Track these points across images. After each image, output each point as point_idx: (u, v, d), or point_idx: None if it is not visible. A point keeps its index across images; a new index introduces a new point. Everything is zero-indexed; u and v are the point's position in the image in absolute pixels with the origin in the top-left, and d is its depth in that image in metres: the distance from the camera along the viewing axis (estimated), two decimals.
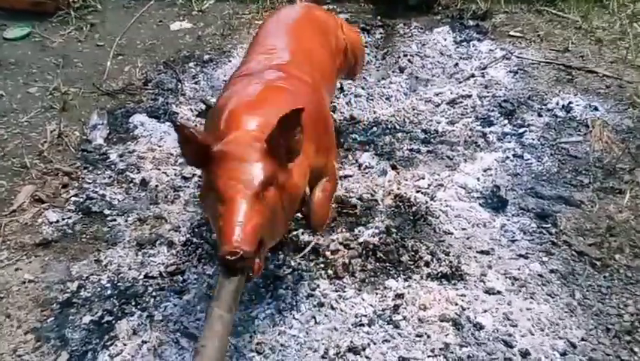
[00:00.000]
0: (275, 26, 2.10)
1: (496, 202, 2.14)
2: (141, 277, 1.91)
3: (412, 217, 2.08)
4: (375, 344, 1.67)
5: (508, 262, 1.93)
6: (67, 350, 1.70)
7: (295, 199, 1.57)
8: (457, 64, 2.96)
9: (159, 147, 2.47)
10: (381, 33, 3.28)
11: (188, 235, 2.05)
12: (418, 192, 2.20)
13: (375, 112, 2.68)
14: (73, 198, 2.23)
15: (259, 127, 1.52)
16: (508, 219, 2.09)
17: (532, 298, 1.81)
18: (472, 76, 2.88)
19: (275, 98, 1.64)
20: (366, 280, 1.86)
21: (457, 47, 3.09)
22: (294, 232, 2.03)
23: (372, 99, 2.75)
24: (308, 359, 1.64)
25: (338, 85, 2.81)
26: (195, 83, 2.92)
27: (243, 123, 1.54)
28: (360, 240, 1.98)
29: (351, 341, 1.68)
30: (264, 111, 1.57)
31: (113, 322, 1.76)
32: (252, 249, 1.33)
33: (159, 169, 2.35)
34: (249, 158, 1.43)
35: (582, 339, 1.69)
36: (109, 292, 1.86)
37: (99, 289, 1.88)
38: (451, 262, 1.91)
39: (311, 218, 1.74)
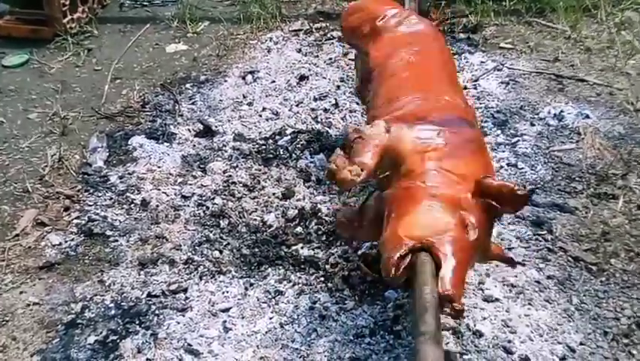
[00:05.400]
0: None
1: None
2: (144, 296, 1.93)
3: None
4: (376, 354, 1.70)
5: (506, 269, 1.95)
6: None
7: None
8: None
9: (158, 167, 2.50)
10: None
11: (189, 253, 2.08)
12: None
13: None
14: (75, 221, 2.26)
15: None
16: (504, 228, 2.12)
17: (530, 304, 1.83)
18: (465, 88, 2.92)
19: None
20: (366, 292, 1.88)
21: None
22: (294, 247, 2.06)
23: (366, 114, 2.79)
24: None
25: (333, 101, 2.86)
26: (192, 103, 2.96)
27: None
28: (359, 252, 2.00)
29: (353, 353, 1.70)
30: None
31: (118, 341, 1.79)
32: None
33: (159, 189, 2.38)
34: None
35: (581, 343, 1.71)
36: (113, 311, 1.89)
37: (103, 309, 1.90)
38: None
39: None
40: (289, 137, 2.63)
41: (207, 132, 2.70)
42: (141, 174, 2.46)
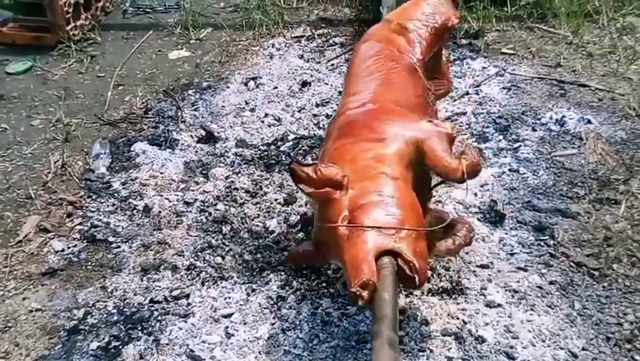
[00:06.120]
0: (356, 70, 2.15)
1: (493, 217, 2.17)
2: (146, 302, 1.94)
3: None
4: None
5: (508, 275, 1.95)
6: None
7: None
8: (451, 82, 3.01)
9: (161, 173, 2.51)
10: None
11: (191, 259, 2.08)
12: None
13: None
14: (78, 227, 2.27)
15: None
16: (507, 233, 2.12)
17: (532, 309, 1.83)
18: (467, 93, 2.93)
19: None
20: None
21: (451, 66, 3.14)
22: None
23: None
24: None
25: (335, 107, 2.86)
26: (195, 109, 2.97)
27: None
28: None
29: (355, 358, 1.70)
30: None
31: (120, 347, 1.79)
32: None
33: (161, 195, 2.39)
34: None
35: (583, 349, 1.71)
36: (115, 317, 1.89)
37: (105, 315, 1.91)
38: (451, 277, 1.94)
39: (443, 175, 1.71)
40: (291, 143, 2.64)
41: (210, 138, 2.71)
42: (144, 181, 2.47)
